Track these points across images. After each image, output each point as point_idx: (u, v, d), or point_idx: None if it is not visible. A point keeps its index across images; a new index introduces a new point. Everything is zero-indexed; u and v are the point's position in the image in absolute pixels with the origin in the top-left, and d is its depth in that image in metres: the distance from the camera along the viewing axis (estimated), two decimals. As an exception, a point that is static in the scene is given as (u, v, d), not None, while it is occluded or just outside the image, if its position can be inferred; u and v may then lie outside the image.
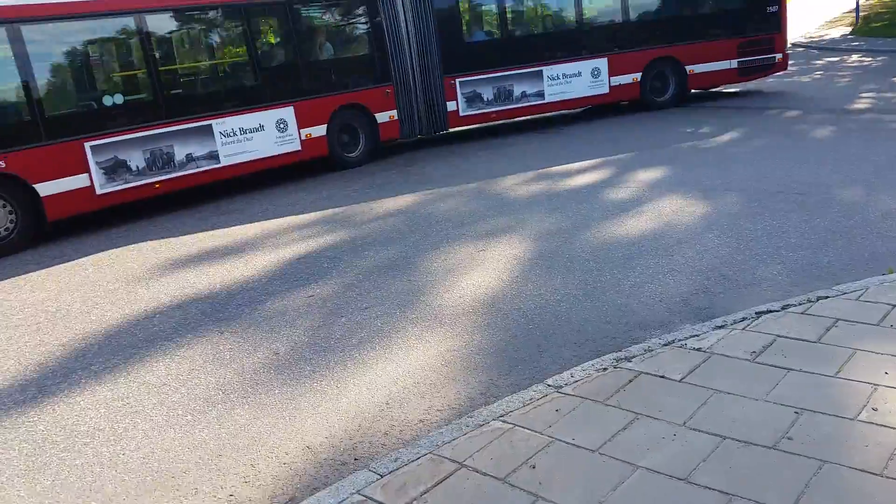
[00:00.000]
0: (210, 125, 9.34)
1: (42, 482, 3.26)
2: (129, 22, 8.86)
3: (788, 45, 15.70)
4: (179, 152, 9.14)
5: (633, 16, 12.95)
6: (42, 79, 8.20)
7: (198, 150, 9.28)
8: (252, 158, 9.80)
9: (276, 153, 10.03)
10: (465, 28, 12.36)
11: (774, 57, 13.38)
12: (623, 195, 7.35)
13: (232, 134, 9.58)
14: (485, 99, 11.97)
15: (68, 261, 7.23)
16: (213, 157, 9.40)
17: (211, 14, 9.85)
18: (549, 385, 3.36)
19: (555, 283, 5.07)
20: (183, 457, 3.35)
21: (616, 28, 12.87)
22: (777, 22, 13.33)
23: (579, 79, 12.46)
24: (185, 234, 7.78)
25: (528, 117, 13.23)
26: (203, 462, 3.28)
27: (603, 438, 2.85)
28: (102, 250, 7.47)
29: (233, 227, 7.86)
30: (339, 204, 8.46)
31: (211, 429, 3.58)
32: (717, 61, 13.05)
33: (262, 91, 10.03)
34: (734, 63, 13.11)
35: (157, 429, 3.63)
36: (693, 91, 13.68)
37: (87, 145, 8.32)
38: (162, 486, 3.12)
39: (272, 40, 10.79)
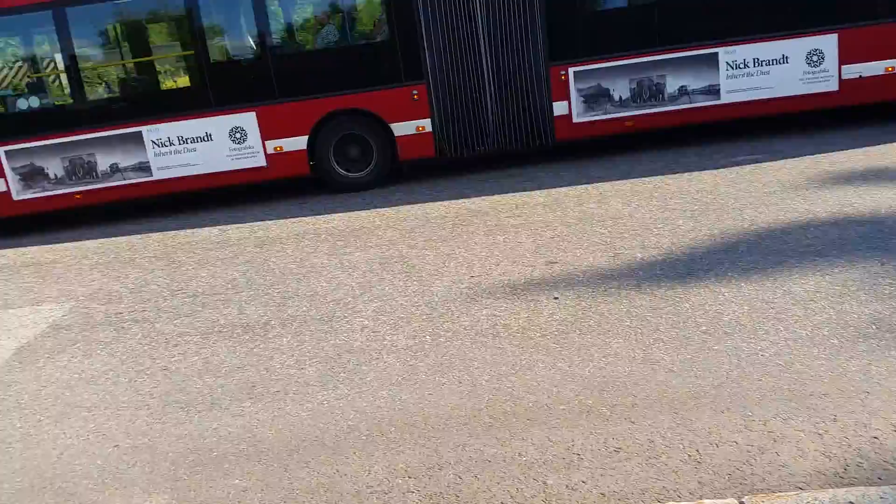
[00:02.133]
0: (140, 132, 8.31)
1: (684, 353, 3.55)
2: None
3: None
4: (102, 162, 8.36)
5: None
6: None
7: (123, 160, 8.38)
8: (196, 173, 8.43)
9: (232, 168, 8.45)
10: None
11: None
12: None
13: (167, 143, 8.35)
14: (616, 98, 8.31)
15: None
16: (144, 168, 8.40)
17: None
18: None
19: None
20: (824, 378, 3.15)
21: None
22: None
23: (783, 68, 8.03)
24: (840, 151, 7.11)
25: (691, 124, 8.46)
26: (845, 392, 3.02)
27: None
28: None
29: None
30: None
31: (859, 361, 3.25)
32: None
33: (211, 93, 8.37)
34: None
35: (799, 342, 3.50)
36: None
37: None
38: (797, 398, 3.01)
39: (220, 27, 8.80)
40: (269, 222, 7.67)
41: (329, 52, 8.66)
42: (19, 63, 8.79)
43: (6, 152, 8.31)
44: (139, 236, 7.89)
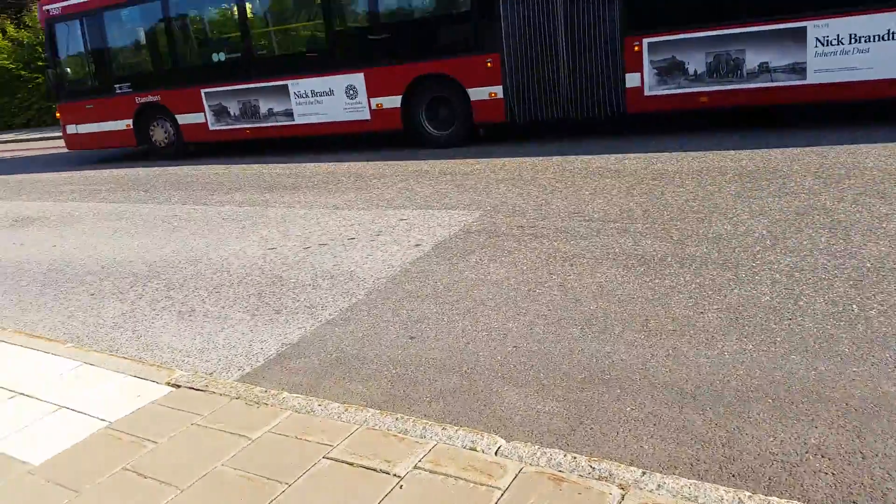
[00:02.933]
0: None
1: None
2: None
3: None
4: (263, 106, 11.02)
5: None
6: None
7: (276, 105, 10.96)
8: (322, 122, 10.64)
9: (346, 119, 10.40)
10: None
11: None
12: None
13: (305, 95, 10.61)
14: (691, 72, 7.89)
15: None
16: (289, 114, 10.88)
17: None
18: None
19: None
20: None
21: None
22: None
23: (881, 45, 6.95)
24: None
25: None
26: None
27: None
28: None
29: None
30: None
31: None
32: None
33: (332, 57, 10.25)
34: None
35: None
36: None
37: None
38: None
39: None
40: (666, 154, 7.39)
41: (417, 23, 9.76)
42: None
43: (205, 93, 11.73)
44: (540, 158, 8.30)
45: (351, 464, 2.55)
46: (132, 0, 12.01)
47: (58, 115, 13.91)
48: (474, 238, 5.49)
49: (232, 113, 11.38)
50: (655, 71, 8.20)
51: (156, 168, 11.57)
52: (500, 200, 6.52)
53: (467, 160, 8.74)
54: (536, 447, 2.54)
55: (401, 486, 2.38)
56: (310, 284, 4.91)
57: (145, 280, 5.51)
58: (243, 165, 10.62)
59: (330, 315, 4.31)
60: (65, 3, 12.70)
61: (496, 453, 2.52)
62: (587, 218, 5.60)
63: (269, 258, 5.65)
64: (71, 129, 13.60)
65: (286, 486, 2.46)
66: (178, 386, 3.35)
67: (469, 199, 6.72)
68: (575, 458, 2.44)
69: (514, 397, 3.11)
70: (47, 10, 12.94)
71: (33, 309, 5.18)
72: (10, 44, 27.25)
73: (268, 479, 2.51)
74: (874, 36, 7.07)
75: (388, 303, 4.39)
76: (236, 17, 11.26)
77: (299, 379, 3.54)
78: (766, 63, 7.61)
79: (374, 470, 2.49)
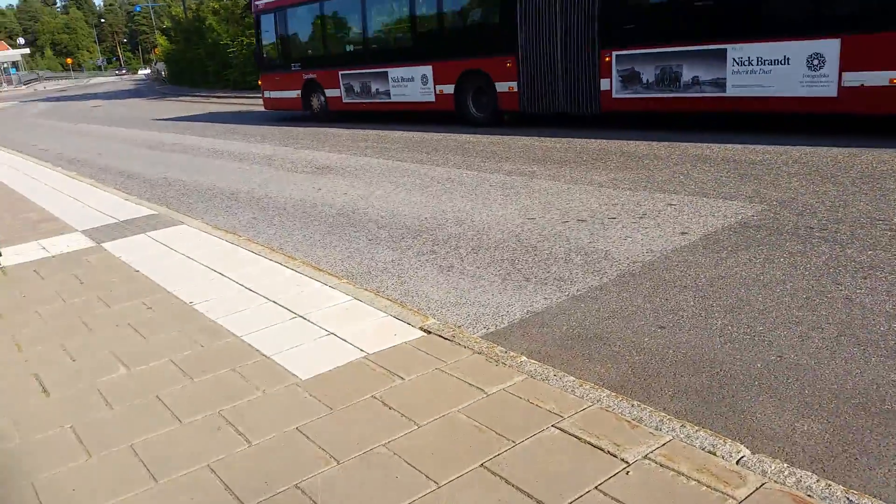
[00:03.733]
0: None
1: None
2: None
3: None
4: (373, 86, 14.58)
5: None
6: None
7: (380, 87, 14.29)
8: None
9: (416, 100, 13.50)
10: None
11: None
12: None
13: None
14: (644, 81, 9.76)
15: None
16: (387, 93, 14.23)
17: None
18: None
19: None
20: None
21: None
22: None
23: (786, 69, 8.26)
24: None
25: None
26: None
27: None
28: None
29: None
30: None
31: None
32: None
33: (413, 52, 13.25)
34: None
35: None
36: None
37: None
38: None
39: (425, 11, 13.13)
40: None
41: (465, 30, 12.54)
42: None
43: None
44: (847, 150, 7.29)
45: (578, 438, 2.50)
46: (305, 0, 15.77)
47: (259, 82, 18.35)
48: (751, 233, 5.01)
49: (355, 90, 14.87)
50: (620, 78, 10.08)
51: (439, 134, 12.39)
52: (788, 195, 5.86)
53: (755, 147, 7.98)
54: (785, 465, 2.26)
55: (627, 472, 2.28)
56: (562, 258, 4.89)
57: (415, 233, 5.94)
58: (516, 137, 10.90)
59: (578, 290, 4.26)
60: (266, 0, 17.06)
61: (738, 462, 2.29)
62: (893, 226, 4.79)
63: (526, 227, 5.74)
64: (267, 94, 17.87)
65: (512, 443, 2.50)
66: (430, 332, 3.57)
67: (751, 191, 6.15)
68: (829, 485, 2.13)
69: (769, 409, 2.80)
70: (256, 4, 17.43)
71: (320, 246, 5.88)
72: (222, 23, 32.91)
73: (497, 433, 2.57)
74: (775, 60, 8.36)
75: (642, 288, 4.20)
76: (354, 23, 14.85)
77: (538, 347, 3.56)
78: (697, 77, 9.17)
79: (602, 450, 2.42)
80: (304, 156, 11.17)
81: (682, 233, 5.17)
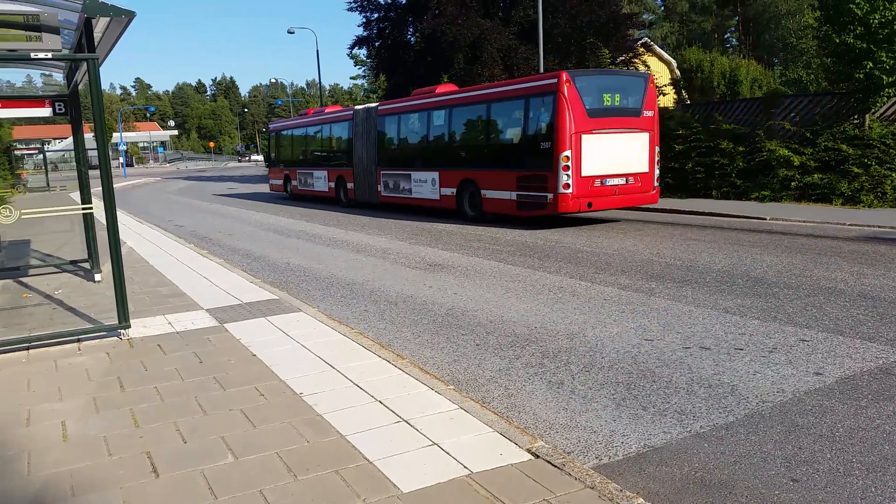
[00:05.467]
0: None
1: None
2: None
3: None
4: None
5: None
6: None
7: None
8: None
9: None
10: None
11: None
12: None
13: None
14: (391, 186, 18.09)
15: None
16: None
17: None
18: None
19: None
20: None
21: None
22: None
23: (424, 184, 17.26)
24: None
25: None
26: None
27: None
28: None
29: None
30: None
31: None
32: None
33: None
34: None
35: None
36: None
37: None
38: None
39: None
40: None
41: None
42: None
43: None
44: None
45: None
46: (299, 125, 24.33)
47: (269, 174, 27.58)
48: (895, 382, 4.55)
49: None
50: (384, 184, 18.35)
51: (551, 239, 12.36)
52: (936, 343, 5.33)
53: (888, 284, 7.39)
54: None
55: None
56: (684, 388, 4.60)
57: (524, 343, 5.82)
58: (626, 249, 10.68)
59: (701, 428, 3.96)
60: (276, 125, 26.55)
61: None
62: None
63: (643, 349, 5.49)
64: (286, 185, 25.66)
65: None
66: (538, 456, 3.39)
67: (893, 334, 5.64)
68: None
69: None
70: (273, 126, 26.85)
71: (428, 346, 5.86)
72: None
73: (609, 588, 2.34)
74: (420, 181, 16.93)
75: (773, 432, 3.86)
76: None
77: (657, 487, 3.29)
78: (408, 187, 17.36)
79: None
80: (418, 251, 11.41)
81: (817, 373, 4.77)
